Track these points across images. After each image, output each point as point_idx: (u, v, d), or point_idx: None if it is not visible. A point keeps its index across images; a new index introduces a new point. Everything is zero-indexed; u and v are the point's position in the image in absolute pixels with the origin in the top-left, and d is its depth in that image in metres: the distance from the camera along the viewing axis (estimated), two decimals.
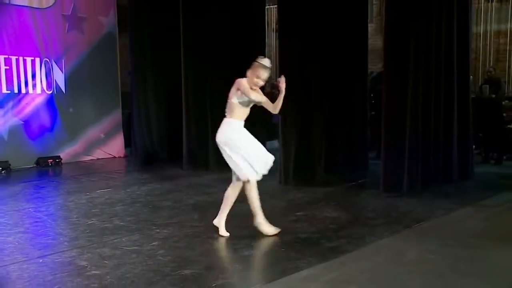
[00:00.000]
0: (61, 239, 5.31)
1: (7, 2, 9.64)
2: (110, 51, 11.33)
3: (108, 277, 4.16)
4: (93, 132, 11.10)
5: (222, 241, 5.09)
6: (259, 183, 8.20)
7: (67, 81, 10.65)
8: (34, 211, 6.58)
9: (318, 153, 8.32)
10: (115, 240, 5.13)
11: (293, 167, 8.13)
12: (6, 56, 9.72)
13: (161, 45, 10.60)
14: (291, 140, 8.15)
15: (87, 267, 4.41)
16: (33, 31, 10.04)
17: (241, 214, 6.16)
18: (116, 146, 11.51)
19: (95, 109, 11.12)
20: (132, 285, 4.00)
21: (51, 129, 10.43)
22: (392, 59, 7.31)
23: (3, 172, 9.35)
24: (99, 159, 11.13)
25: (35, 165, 10.06)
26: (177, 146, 10.14)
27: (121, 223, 5.85)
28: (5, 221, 5.98)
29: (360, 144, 9.20)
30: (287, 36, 8.22)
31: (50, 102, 10.43)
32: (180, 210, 6.49)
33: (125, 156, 11.55)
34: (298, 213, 6.18)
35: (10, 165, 9.53)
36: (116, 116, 11.51)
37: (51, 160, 10.16)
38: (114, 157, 11.43)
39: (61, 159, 10.36)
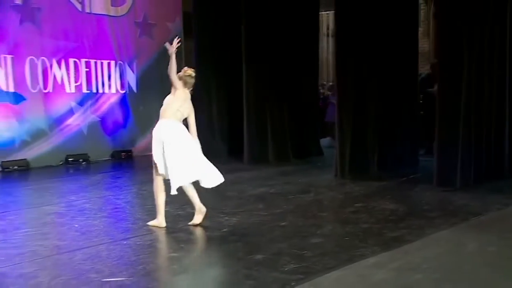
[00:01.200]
0: (140, 223, 5.35)
1: (89, 11, 9.86)
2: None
3: (186, 259, 4.17)
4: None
5: (289, 229, 5.02)
6: (316, 175, 8.24)
7: (138, 81, 10.82)
8: (114, 198, 6.70)
9: (371, 149, 8.18)
10: (189, 226, 5.14)
11: (348, 162, 8.00)
12: (87, 60, 9.95)
13: (223, 49, 10.62)
14: (347, 137, 8.02)
15: (164, 249, 4.44)
16: (109, 37, 10.24)
17: (305, 204, 6.13)
18: None
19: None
20: (209, 268, 3.99)
21: (124, 125, 10.62)
22: (445, 60, 7.11)
23: (83, 163, 9.59)
24: None
25: (110, 158, 10.26)
26: (237, 142, 10.17)
27: (193, 211, 5.82)
28: (90, 207, 6.10)
29: (411, 142, 8.98)
30: (343, 40, 8.10)
31: (124, 101, 10.63)
32: (245, 200, 6.46)
33: None
34: (356, 205, 6.05)
35: (89, 157, 9.77)
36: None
37: (124, 154, 10.35)
38: None
39: (133, 152, 10.54)
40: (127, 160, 10.27)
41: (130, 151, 10.47)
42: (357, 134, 8.04)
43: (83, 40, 9.88)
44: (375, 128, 8.19)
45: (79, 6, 9.79)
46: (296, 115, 10.12)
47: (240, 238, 4.73)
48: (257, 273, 3.78)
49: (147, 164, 9.78)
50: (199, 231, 4.99)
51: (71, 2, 9.67)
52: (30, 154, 9.24)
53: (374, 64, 8.13)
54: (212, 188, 5.20)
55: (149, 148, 10.67)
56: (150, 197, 6.64)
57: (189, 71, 5.28)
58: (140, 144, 10.83)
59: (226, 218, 5.47)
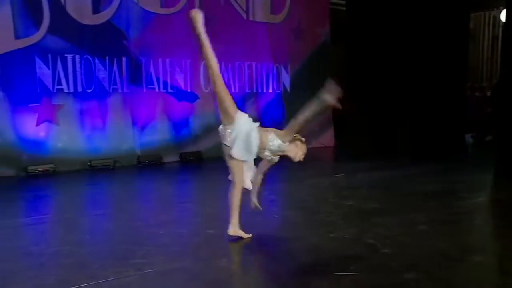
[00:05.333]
0: (334, 218, 5.15)
1: (252, 19, 9.95)
2: (324, 56, 11.21)
3: (401, 256, 3.87)
4: (310, 125, 11.07)
5: (480, 229, 4.58)
6: (473, 173, 7.64)
7: (291, 82, 10.76)
8: (298, 190, 6.53)
9: None
10: (384, 222, 4.86)
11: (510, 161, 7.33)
12: (249, 62, 10.05)
13: (373, 53, 10.23)
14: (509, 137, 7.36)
15: (376, 245, 4.19)
16: (269, 42, 10.26)
17: (487, 205, 5.62)
18: (327, 137, 11.40)
19: None
20: (427, 267, 3.68)
21: (279, 122, 10.58)
22: None
23: None
24: (313, 148, 11.06)
25: None
26: (386, 140, 9.79)
27: (375, 206, 5.59)
28: (276, 198, 6.04)
29: None
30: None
31: (279, 100, 10.61)
32: (421, 197, 6.04)
33: (335, 146, 11.39)
34: None
35: None
36: (327, 112, 11.38)
37: None
38: (325, 146, 11.33)
39: None
40: None
41: None
42: None
43: (247, 45, 9.97)
44: None
45: (244, 15, 9.90)
46: (444, 114, 9.53)
47: (442, 237, 4.35)
48: None
49: (304, 157, 9.75)
50: (395, 227, 4.68)
51: (238, 12, 9.80)
52: (202, 146, 9.51)
53: None
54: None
55: None
56: (327, 191, 6.52)
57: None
58: None
59: (413, 215, 5.07)
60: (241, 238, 4.21)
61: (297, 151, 4.20)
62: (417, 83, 9.29)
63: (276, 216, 5.20)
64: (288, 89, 10.71)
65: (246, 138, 4.07)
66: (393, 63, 9.45)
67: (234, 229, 4.19)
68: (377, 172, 7.82)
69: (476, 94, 12.20)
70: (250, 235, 4.19)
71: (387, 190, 6.49)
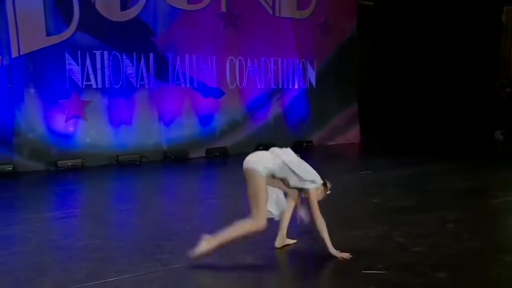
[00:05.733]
0: (361, 215, 5.08)
1: (278, 15, 9.89)
2: (351, 52, 11.04)
3: (432, 255, 3.79)
4: (336, 121, 10.98)
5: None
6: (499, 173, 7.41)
7: (317, 78, 10.66)
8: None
9: None
10: (412, 220, 4.76)
11: None
12: (275, 58, 9.99)
13: (401, 48, 10.06)
14: None
15: (405, 244, 4.10)
16: (295, 37, 10.18)
17: None
18: (352, 134, 11.26)
19: (337, 102, 10.98)
20: (459, 266, 3.59)
21: (305, 118, 10.53)
22: None
23: None
24: (339, 144, 10.97)
25: (292, 147, 10.20)
26: (410, 137, 9.62)
27: (403, 203, 5.50)
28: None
29: None
30: None
31: (304, 96, 10.53)
32: (448, 195, 5.91)
33: (361, 143, 11.24)
34: None
35: (275, 146, 9.79)
36: (353, 108, 11.25)
37: (305, 144, 10.26)
38: (351, 143, 11.19)
39: (313, 143, 10.41)
40: (308, 150, 10.13)
41: (310, 141, 10.35)
42: None
43: (273, 41, 9.91)
44: None
45: (270, 11, 9.85)
46: (473, 110, 9.32)
47: (473, 236, 4.25)
48: None
49: (330, 153, 9.69)
50: (422, 226, 4.57)
51: (264, 7, 9.75)
52: (228, 142, 9.51)
53: None
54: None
55: (326, 138, 10.77)
56: (356, 187, 6.44)
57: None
58: (318, 135, 10.70)
59: (440, 213, 4.96)
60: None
61: (312, 195, 3.86)
62: (445, 79, 9.11)
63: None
64: (314, 85, 10.61)
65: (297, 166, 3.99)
66: (421, 59, 9.28)
67: (282, 242, 4.02)
68: (404, 169, 7.69)
69: (507, 90, 11.87)
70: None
71: (414, 187, 6.38)
